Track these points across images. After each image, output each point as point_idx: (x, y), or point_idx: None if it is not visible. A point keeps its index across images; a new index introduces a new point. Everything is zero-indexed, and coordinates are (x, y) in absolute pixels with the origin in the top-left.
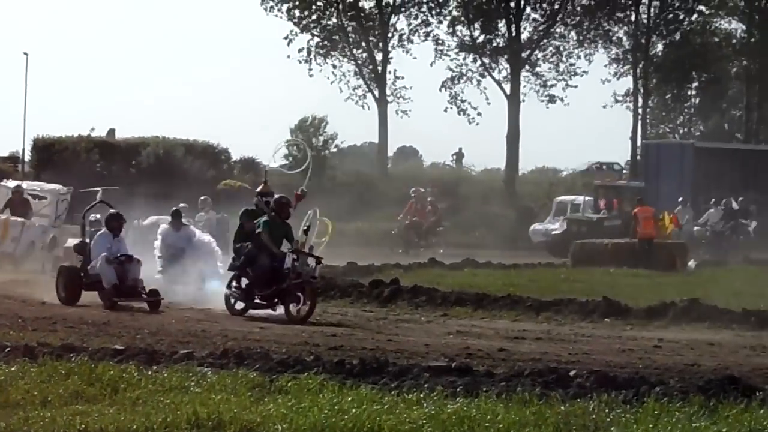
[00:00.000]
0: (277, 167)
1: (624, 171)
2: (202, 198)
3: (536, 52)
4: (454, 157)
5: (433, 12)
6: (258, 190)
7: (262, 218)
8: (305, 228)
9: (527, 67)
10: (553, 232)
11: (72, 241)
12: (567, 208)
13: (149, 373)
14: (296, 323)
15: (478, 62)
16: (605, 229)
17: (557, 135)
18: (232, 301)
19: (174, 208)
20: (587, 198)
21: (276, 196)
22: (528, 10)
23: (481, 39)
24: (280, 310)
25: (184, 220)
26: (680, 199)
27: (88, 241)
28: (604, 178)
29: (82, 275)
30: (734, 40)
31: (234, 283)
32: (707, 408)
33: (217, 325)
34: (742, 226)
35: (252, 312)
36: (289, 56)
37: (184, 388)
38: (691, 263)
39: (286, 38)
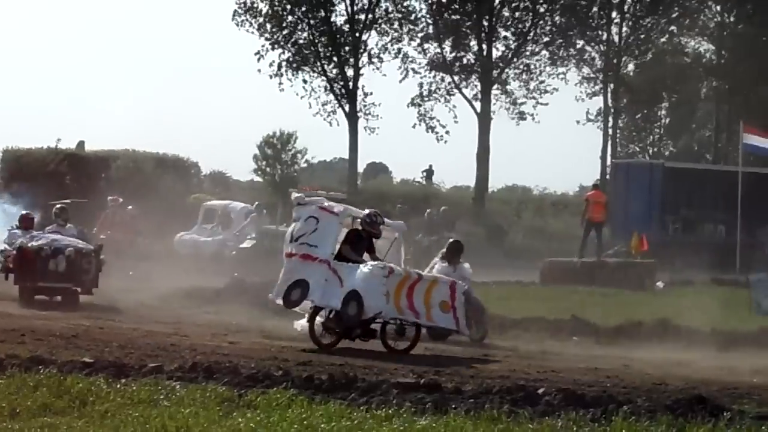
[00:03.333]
0: None
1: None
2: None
3: (507, 70)
4: (424, 173)
5: (405, 29)
6: None
7: None
8: None
9: (497, 85)
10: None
11: None
12: (216, 215)
13: (118, 386)
14: None
15: (448, 80)
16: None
17: (528, 153)
18: None
19: (452, 240)
20: (244, 206)
21: None
22: (499, 28)
23: (451, 57)
24: None
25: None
26: None
27: None
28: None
29: None
30: (704, 60)
31: None
32: (675, 427)
33: (186, 339)
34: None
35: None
36: (259, 70)
37: (153, 401)
38: (660, 283)
39: (257, 54)
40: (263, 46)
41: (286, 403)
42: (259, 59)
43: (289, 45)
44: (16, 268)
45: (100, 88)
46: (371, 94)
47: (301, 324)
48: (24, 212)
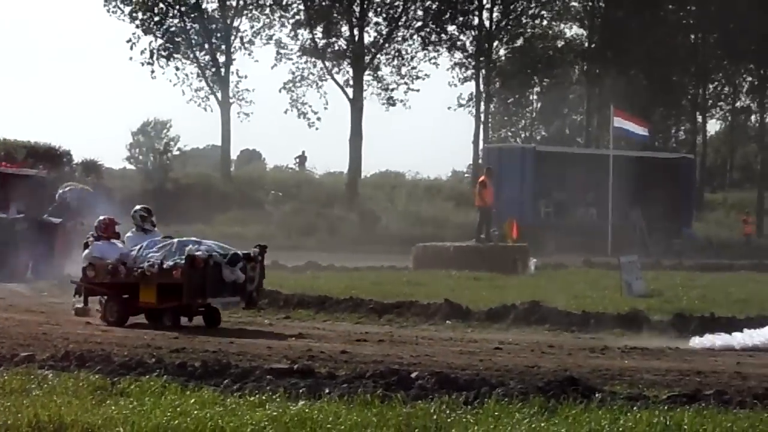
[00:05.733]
0: None
1: None
2: (144, 207)
3: (379, 55)
4: (297, 160)
5: (276, 15)
6: None
7: None
8: None
9: (369, 71)
10: None
11: None
12: None
13: None
14: None
15: (320, 65)
16: (17, 234)
17: (401, 138)
18: None
19: None
20: None
21: None
22: (371, 14)
23: (322, 43)
24: None
25: None
26: None
27: None
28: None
29: None
30: (575, 45)
31: None
32: (547, 409)
33: (59, 327)
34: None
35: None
36: (131, 58)
37: (25, 391)
38: (532, 265)
39: (129, 41)
40: (134, 33)
41: (159, 391)
42: (131, 46)
43: (160, 32)
44: (184, 282)
45: None
46: (246, 77)
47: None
48: (105, 217)
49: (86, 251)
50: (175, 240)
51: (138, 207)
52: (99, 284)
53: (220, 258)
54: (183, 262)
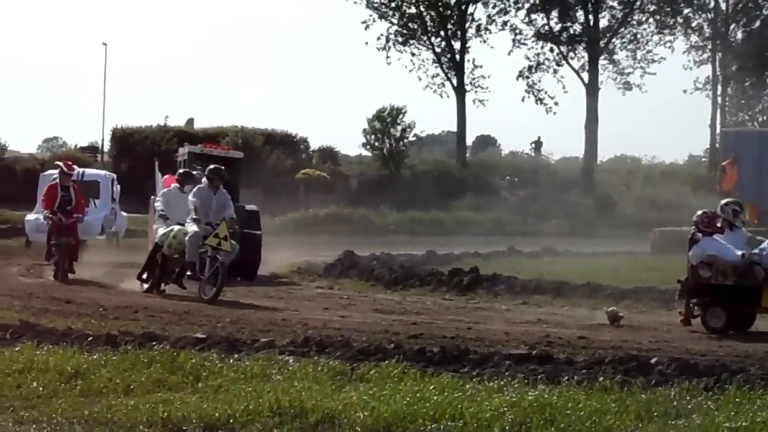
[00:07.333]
0: None
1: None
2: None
3: (614, 40)
4: (533, 145)
5: (511, 0)
6: None
7: None
8: None
9: (605, 55)
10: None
11: None
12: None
13: (231, 361)
14: None
15: (555, 51)
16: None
17: (637, 123)
18: None
19: None
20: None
21: None
22: None
23: (558, 28)
24: None
25: None
26: None
27: None
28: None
29: None
30: None
31: None
32: None
33: (297, 314)
34: None
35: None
36: (367, 43)
37: (266, 376)
38: None
39: (363, 23)
40: (370, 15)
41: (399, 376)
42: (366, 28)
43: (396, 17)
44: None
45: (209, 66)
46: (481, 66)
47: None
48: (707, 210)
49: (695, 248)
50: None
51: (729, 200)
52: (710, 286)
53: None
54: None
